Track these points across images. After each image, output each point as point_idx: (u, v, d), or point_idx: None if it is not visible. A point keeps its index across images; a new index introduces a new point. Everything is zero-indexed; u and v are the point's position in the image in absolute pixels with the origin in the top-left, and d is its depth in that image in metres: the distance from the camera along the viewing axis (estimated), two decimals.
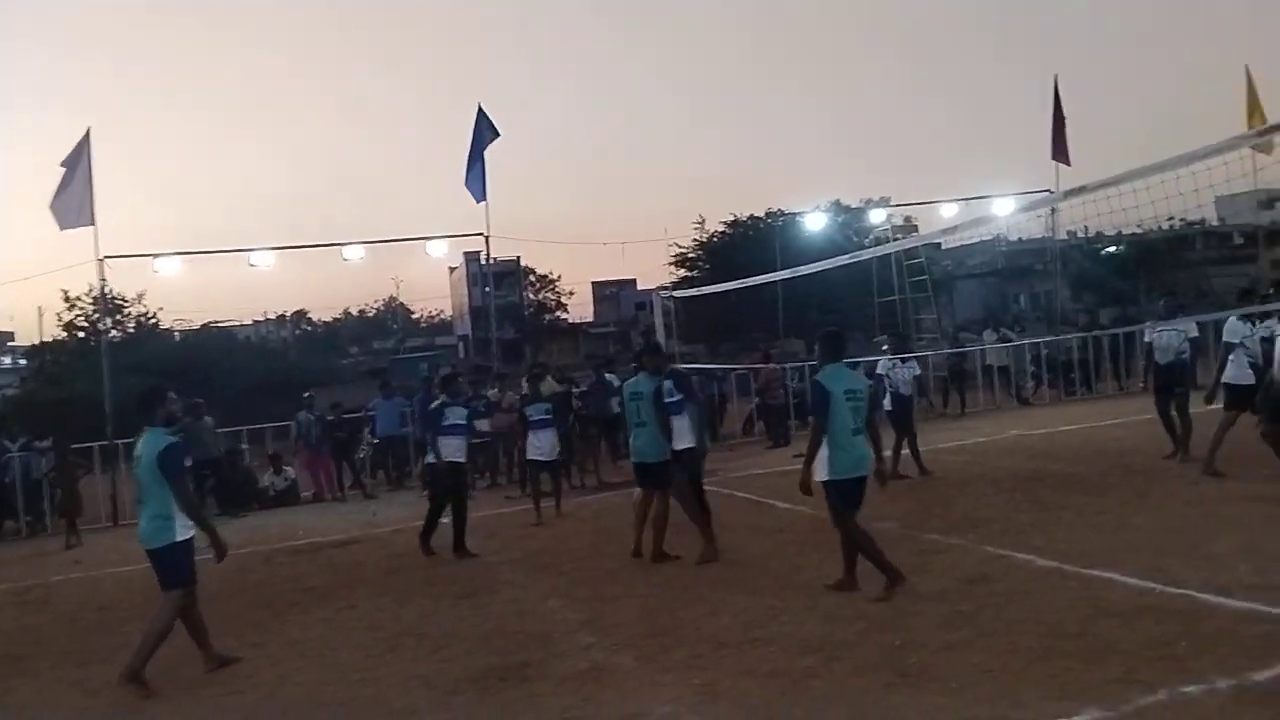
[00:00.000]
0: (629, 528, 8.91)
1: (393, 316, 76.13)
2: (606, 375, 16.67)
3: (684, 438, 8.54)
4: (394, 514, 13.33)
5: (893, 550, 7.94)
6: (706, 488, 9.10)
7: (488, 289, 38.86)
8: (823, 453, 6.72)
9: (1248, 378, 9.54)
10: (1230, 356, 9.70)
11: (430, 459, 10.31)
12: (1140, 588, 6.25)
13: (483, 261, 25.19)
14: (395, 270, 76.71)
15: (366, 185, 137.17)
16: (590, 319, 65.03)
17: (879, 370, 12.78)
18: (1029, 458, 12.48)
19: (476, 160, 20.55)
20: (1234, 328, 9.76)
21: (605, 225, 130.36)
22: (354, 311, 73.45)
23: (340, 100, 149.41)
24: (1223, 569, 6.45)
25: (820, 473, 6.77)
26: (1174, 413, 11.05)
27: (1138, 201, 8.29)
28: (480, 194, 20.43)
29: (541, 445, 11.65)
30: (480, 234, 20.54)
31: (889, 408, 12.07)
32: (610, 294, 65.89)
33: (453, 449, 10.01)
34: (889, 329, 23.19)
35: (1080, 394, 20.40)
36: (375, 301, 76.29)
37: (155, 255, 18.57)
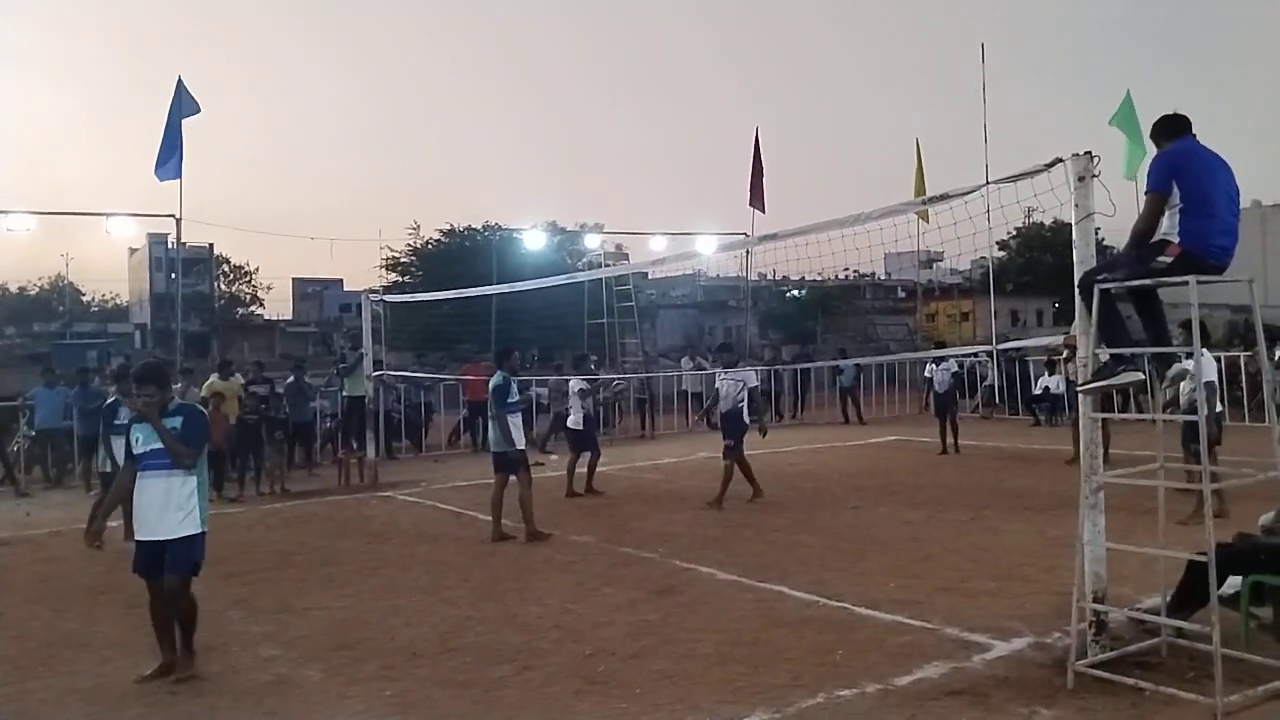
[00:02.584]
0: (325, 536, 8.60)
1: (59, 297, 68.33)
2: (305, 379, 15.98)
3: (513, 437, 9.51)
4: (51, 515, 11.98)
5: (590, 561, 8.29)
6: (407, 498, 8.98)
7: (174, 275, 35.92)
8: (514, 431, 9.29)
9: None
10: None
11: (105, 465, 9.43)
12: (807, 600, 6.88)
13: (170, 245, 23.28)
14: (67, 246, 69.05)
15: (35, 147, 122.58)
16: (289, 316, 61.72)
17: (573, 389, 13.21)
18: (714, 477, 13.25)
19: (173, 136, 19.08)
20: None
21: (312, 221, 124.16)
22: (13, 289, 65.38)
23: (17, 50, 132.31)
24: (874, 585, 7.24)
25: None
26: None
27: (820, 253, 9.20)
28: (174, 171, 18.96)
29: None
30: (170, 215, 19.02)
31: (578, 427, 12.45)
32: (313, 292, 62.96)
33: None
34: (590, 351, 23.91)
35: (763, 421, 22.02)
36: (40, 279, 68.34)
37: None
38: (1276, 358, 13.90)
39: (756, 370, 13.87)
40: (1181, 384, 8.21)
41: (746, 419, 11.31)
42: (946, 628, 6.10)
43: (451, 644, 6.12)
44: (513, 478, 9.48)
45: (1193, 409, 7.40)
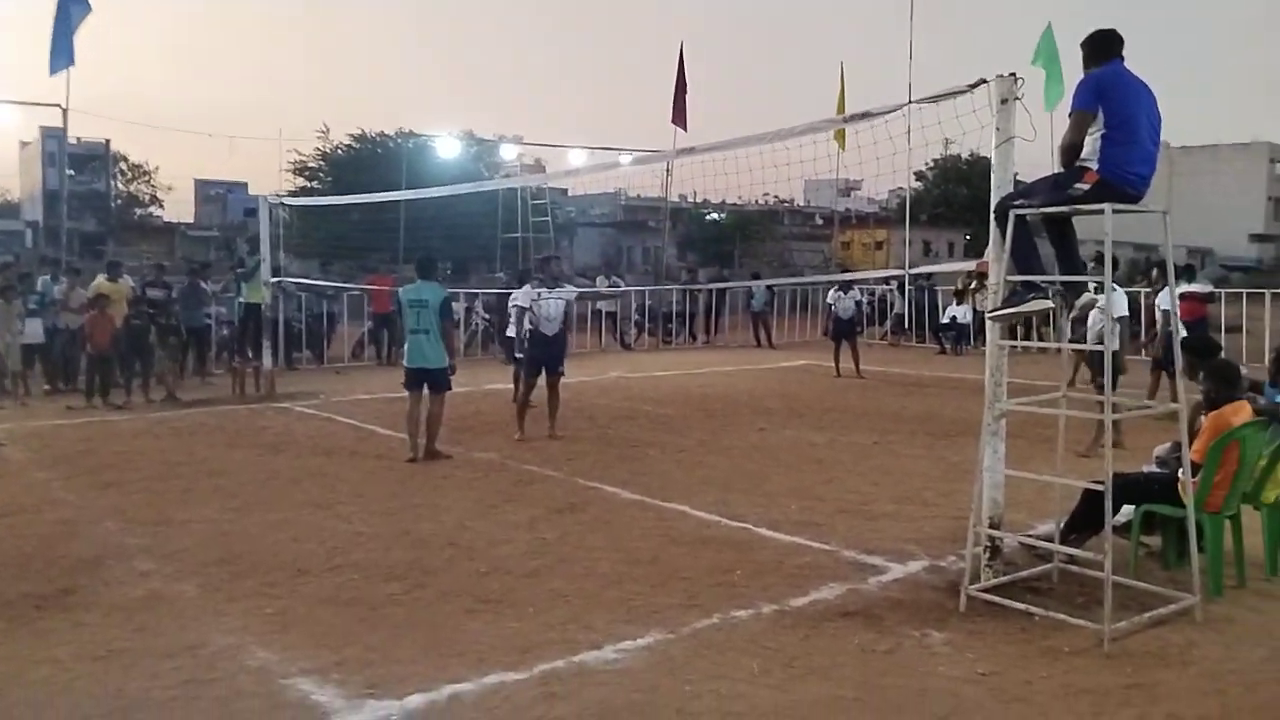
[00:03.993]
0: (214, 446, 8.22)
1: None
2: (202, 283, 15.29)
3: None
4: None
5: (493, 479, 8.11)
6: (305, 410, 8.63)
7: (64, 170, 33.99)
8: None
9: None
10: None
11: None
12: (708, 520, 6.83)
13: (63, 140, 21.91)
14: None
15: None
16: (190, 220, 59.13)
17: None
18: (624, 397, 13.22)
19: (62, 22, 17.77)
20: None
21: (214, 120, 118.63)
22: None
23: None
24: (776, 506, 7.22)
25: None
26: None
27: (741, 173, 8.98)
28: (65, 60, 17.70)
29: None
30: (58, 105, 17.79)
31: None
32: (216, 195, 60.37)
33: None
34: (512, 264, 23.46)
35: (676, 343, 22.05)
36: None
37: None
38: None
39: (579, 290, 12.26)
40: (1091, 314, 8.29)
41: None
42: (845, 550, 6.10)
43: (339, 560, 5.89)
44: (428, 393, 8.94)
45: (1101, 340, 7.51)
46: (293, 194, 31.86)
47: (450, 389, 9.17)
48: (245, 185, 56.17)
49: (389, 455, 9.13)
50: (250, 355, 14.26)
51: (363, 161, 35.92)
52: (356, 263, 27.74)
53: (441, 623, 4.90)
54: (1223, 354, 6.83)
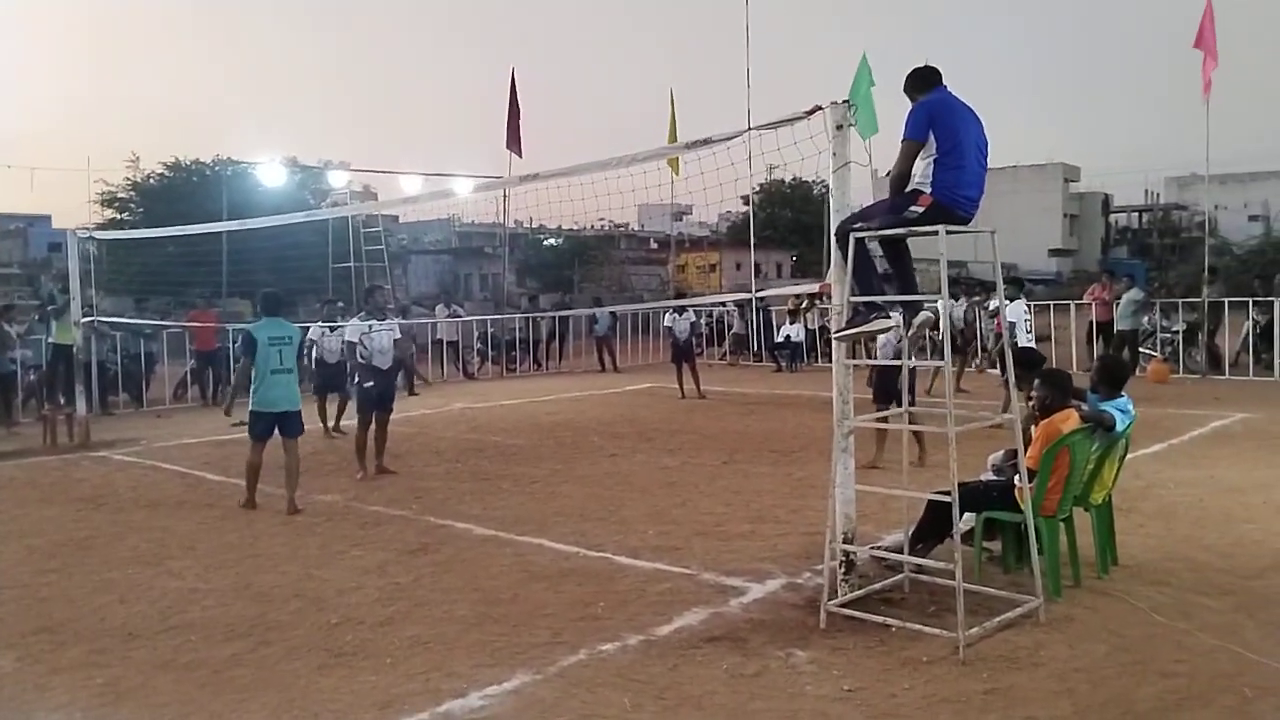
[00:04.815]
0: (25, 503, 7.51)
1: None
2: (5, 325, 14.09)
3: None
4: None
5: (337, 522, 7.75)
6: (125, 458, 8.04)
7: None
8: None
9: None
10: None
11: None
12: (567, 551, 6.73)
13: None
14: None
15: None
16: None
17: (311, 336, 12.46)
18: (471, 429, 12.96)
19: None
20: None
21: (11, 149, 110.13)
22: None
23: None
24: (633, 533, 7.20)
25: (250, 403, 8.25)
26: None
27: (576, 199, 8.94)
28: None
29: None
30: None
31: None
32: (16, 229, 56.04)
33: None
34: (345, 295, 22.70)
35: (520, 370, 21.85)
36: None
37: None
38: (991, 307, 15.26)
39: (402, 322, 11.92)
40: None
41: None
42: (704, 573, 6.13)
43: (174, 621, 5.47)
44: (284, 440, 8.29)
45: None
46: (101, 226, 29.89)
47: (303, 431, 8.58)
48: (49, 218, 52.44)
49: (220, 503, 8.60)
50: (61, 401, 13.23)
51: (176, 191, 34.06)
52: (175, 298, 26.23)
53: (292, 682, 4.60)
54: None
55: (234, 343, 17.53)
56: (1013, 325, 11.86)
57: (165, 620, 5.50)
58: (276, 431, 8.29)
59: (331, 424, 12.53)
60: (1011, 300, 11.37)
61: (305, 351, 10.00)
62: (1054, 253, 63.78)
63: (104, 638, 5.24)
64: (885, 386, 9.18)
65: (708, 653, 4.80)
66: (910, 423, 6.88)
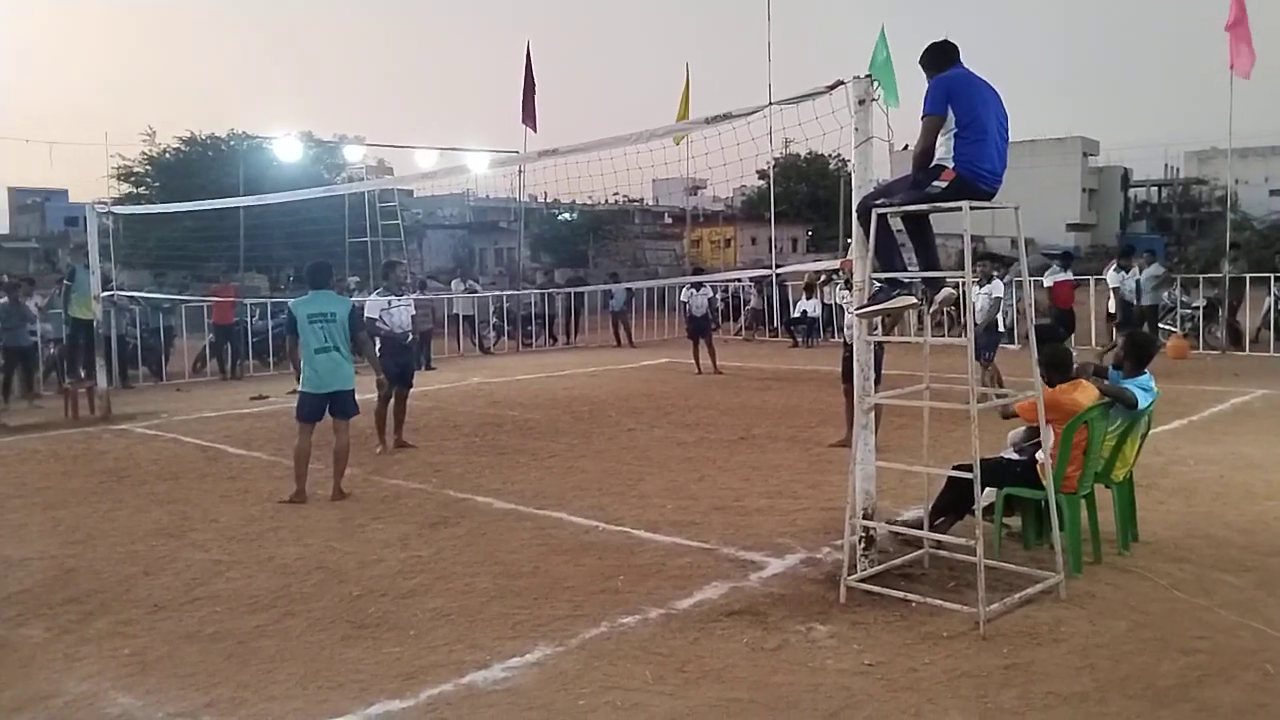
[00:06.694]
0: (49, 475, 7.59)
1: None
2: (24, 299, 14.17)
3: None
4: None
5: (356, 498, 7.77)
6: (146, 431, 8.08)
7: None
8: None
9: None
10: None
11: None
12: (586, 525, 6.76)
13: None
14: None
15: None
16: (5, 231, 54.93)
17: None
18: (489, 404, 13.00)
19: None
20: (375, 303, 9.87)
21: (32, 125, 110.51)
22: None
23: None
24: (651, 507, 7.22)
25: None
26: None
27: (591, 175, 8.92)
28: None
29: None
30: None
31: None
32: (34, 204, 56.31)
33: None
34: (361, 269, 22.77)
35: (536, 345, 21.89)
36: None
37: None
38: (1006, 279, 15.14)
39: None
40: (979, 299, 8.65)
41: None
42: (724, 547, 6.15)
43: (198, 593, 5.53)
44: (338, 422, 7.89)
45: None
46: (118, 201, 30.05)
47: (358, 411, 8.08)
48: (65, 192, 52.68)
49: (242, 476, 8.67)
50: (82, 375, 13.33)
51: (192, 165, 34.19)
52: (192, 272, 26.36)
53: (316, 653, 4.66)
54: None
55: (252, 316, 17.74)
56: (998, 301, 11.80)
57: (190, 592, 5.56)
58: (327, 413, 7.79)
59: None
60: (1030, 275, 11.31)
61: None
62: (1072, 227, 63.21)
63: (131, 608, 5.30)
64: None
65: (728, 626, 4.82)
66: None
